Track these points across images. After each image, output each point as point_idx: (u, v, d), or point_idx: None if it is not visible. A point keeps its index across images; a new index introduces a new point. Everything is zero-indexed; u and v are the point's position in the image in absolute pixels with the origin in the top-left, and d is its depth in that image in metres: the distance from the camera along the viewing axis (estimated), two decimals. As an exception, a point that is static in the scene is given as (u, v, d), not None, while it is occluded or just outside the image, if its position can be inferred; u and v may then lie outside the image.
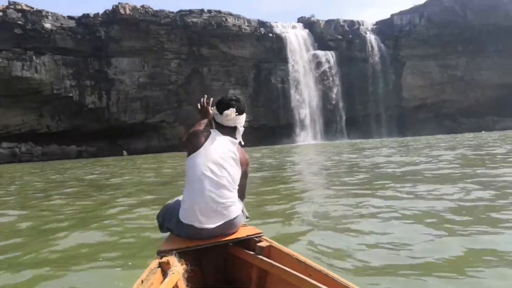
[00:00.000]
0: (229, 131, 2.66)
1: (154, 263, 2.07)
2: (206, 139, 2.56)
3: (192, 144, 2.56)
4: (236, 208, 2.53)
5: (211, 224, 2.43)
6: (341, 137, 50.47)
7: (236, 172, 2.57)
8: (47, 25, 41.67)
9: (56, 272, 3.35)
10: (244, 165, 2.63)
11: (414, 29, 53.57)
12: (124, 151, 42.69)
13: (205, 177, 2.46)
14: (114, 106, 45.25)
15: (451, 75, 53.95)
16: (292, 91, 50.71)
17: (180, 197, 2.66)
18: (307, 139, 49.17)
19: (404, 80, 54.19)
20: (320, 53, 51.76)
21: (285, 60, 50.87)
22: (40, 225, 5.33)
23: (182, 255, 2.20)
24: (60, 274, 3.29)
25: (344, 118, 52.11)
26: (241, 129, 2.70)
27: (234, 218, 2.51)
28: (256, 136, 49.75)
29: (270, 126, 50.77)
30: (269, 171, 12.12)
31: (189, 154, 2.56)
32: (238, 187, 2.60)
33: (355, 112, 52.25)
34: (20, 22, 40.44)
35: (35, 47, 40.97)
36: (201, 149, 2.52)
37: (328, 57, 51.68)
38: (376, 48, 53.29)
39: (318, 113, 51.10)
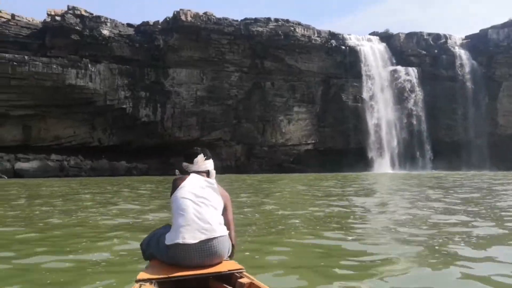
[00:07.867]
0: (204, 175, 2.93)
1: None
2: (185, 179, 2.84)
3: (174, 187, 2.83)
4: (220, 229, 2.65)
5: (193, 240, 2.51)
6: (424, 167, 43.00)
7: (216, 198, 2.80)
8: (105, 32, 39.00)
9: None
10: (224, 198, 2.87)
11: (514, 45, 45.66)
12: (176, 170, 38.41)
13: (188, 202, 2.68)
14: (169, 121, 41.49)
15: (558, 98, 45.19)
16: (366, 111, 44.32)
17: (167, 226, 2.81)
18: (383, 167, 42.25)
19: (500, 103, 46.14)
20: (400, 69, 45.18)
21: (358, 76, 44.81)
22: None
23: (161, 284, 2.10)
24: None
25: (428, 145, 44.62)
26: (213, 172, 3.01)
27: (218, 237, 2.59)
28: (321, 160, 43.83)
29: (338, 150, 44.53)
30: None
31: (172, 194, 2.81)
32: (224, 221, 2.77)
33: (439, 138, 44.71)
34: (78, 28, 38.03)
35: (91, 54, 38.36)
36: (182, 185, 2.80)
37: (409, 73, 44.94)
38: (466, 66, 45.83)
39: (396, 137, 44.15)
